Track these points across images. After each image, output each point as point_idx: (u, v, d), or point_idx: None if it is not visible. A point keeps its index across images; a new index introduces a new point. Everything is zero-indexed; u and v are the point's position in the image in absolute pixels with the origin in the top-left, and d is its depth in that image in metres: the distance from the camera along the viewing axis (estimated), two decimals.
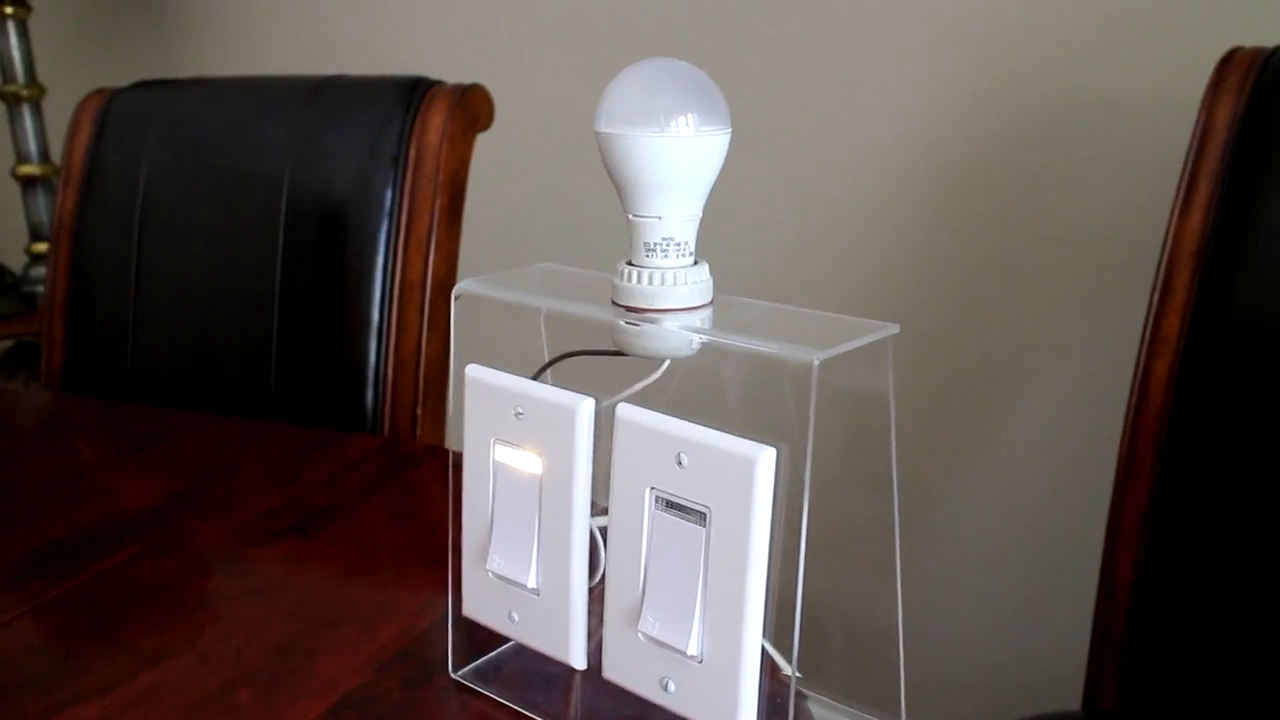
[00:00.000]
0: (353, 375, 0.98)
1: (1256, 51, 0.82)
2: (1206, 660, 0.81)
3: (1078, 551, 1.19)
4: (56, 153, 1.50)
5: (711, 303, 0.47)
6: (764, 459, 0.42)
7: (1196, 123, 0.82)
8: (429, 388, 0.97)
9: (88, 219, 1.10)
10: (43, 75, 1.65)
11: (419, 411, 0.97)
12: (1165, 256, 0.82)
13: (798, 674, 0.44)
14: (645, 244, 0.46)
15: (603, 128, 0.45)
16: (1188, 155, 0.83)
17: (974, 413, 1.33)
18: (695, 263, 0.47)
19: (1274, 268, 0.78)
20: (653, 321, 0.46)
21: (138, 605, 0.63)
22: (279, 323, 1.00)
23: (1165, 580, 0.83)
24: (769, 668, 0.45)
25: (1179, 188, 0.82)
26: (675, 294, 0.46)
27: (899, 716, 0.52)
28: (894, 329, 0.45)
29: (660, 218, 0.46)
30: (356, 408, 0.98)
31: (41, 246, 1.66)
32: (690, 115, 0.44)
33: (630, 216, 0.46)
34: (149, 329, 1.06)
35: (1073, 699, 0.88)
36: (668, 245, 0.46)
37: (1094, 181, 1.21)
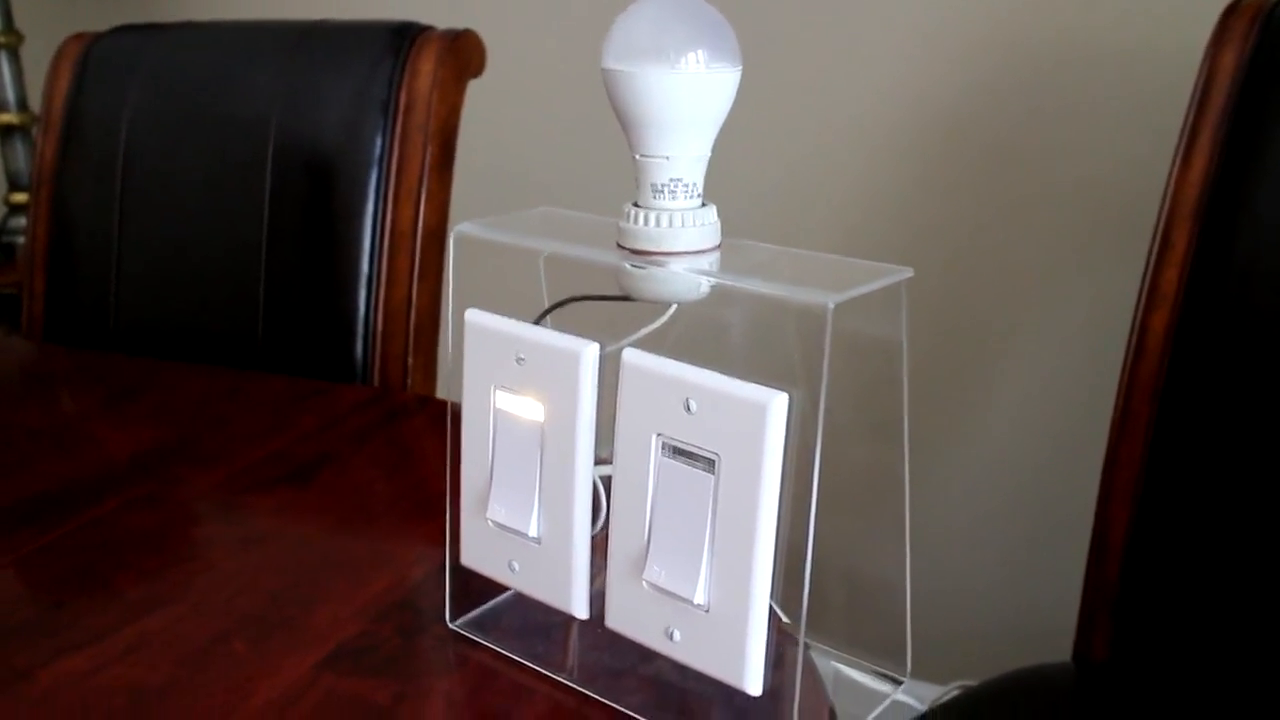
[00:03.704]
0: (342, 326, 0.96)
1: (1262, 1, 0.81)
2: (1196, 614, 0.82)
3: (1071, 505, 1.19)
4: (35, 101, 1.47)
5: (720, 246, 0.46)
6: (776, 404, 0.41)
7: (1199, 73, 0.81)
8: (419, 338, 0.96)
9: (68, 168, 1.08)
10: (20, 21, 1.61)
11: (410, 362, 0.96)
12: (1165, 209, 0.82)
13: (803, 623, 0.43)
14: (653, 185, 0.45)
15: (610, 64, 0.44)
16: (1189, 106, 0.82)
17: (968, 366, 1.33)
18: (703, 204, 0.46)
19: (1274, 221, 0.77)
20: (660, 264, 0.45)
21: (128, 555, 0.62)
22: (266, 272, 0.99)
23: (1157, 534, 0.83)
24: (773, 618, 0.45)
25: (1180, 139, 0.82)
26: (683, 236, 0.45)
27: (904, 667, 0.52)
28: (908, 273, 0.44)
29: (668, 157, 0.45)
30: (346, 358, 0.96)
31: (21, 196, 1.63)
32: (701, 51, 0.43)
33: (637, 157, 0.45)
34: (132, 279, 1.05)
35: (1063, 651, 0.89)
36: (675, 186, 0.45)
37: (1095, 131, 1.20)
